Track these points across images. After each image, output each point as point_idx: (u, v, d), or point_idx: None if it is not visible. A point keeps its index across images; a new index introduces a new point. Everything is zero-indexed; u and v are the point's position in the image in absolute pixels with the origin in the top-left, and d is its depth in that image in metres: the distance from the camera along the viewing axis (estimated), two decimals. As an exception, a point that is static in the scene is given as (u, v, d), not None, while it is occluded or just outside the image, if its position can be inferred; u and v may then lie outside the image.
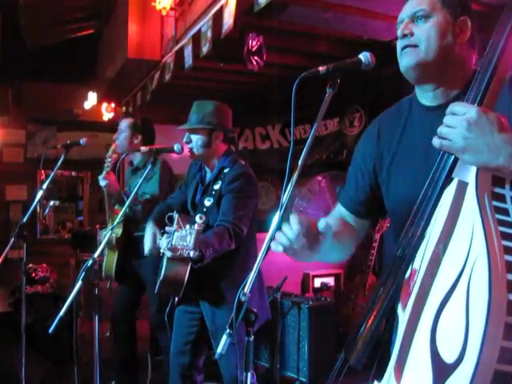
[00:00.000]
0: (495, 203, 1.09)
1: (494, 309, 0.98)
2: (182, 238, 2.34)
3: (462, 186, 1.15)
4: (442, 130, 1.15)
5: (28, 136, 8.52)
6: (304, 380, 3.92)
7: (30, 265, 5.70)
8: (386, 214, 1.71)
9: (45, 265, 6.06)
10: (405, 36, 1.44)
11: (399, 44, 1.47)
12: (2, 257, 3.13)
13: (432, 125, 1.27)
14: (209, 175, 2.93)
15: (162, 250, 2.58)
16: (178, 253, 2.35)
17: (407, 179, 1.50)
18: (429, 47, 1.41)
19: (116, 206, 3.68)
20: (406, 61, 1.44)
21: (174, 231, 2.39)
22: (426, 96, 1.52)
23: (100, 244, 3.65)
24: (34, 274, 5.75)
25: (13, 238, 3.15)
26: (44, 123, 8.52)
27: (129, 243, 3.58)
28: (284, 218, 1.43)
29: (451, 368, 1.03)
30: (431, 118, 1.45)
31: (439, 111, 1.33)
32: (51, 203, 9.00)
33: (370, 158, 1.65)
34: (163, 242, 2.52)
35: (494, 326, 0.98)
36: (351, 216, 1.71)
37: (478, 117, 1.10)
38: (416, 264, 1.21)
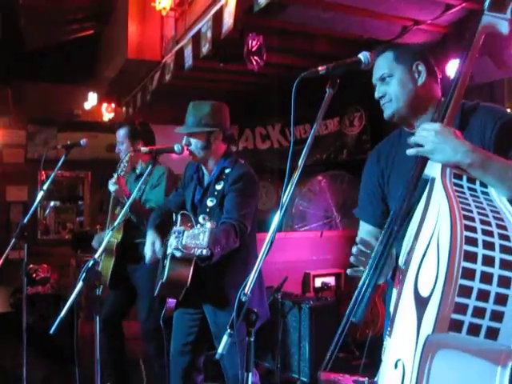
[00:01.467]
0: (455, 187, 1.47)
1: (454, 242, 1.31)
2: (194, 236, 2.30)
3: (431, 184, 1.52)
4: (415, 139, 1.58)
5: (28, 137, 8.53)
6: (305, 380, 3.92)
7: (31, 265, 5.71)
8: None
9: (45, 265, 6.07)
10: (380, 98, 1.86)
11: (380, 101, 1.87)
12: (3, 257, 3.13)
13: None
14: (207, 176, 2.93)
15: (170, 250, 2.53)
16: (192, 251, 2.32)
17: (399, 189, 1.74)
18: (398, 99, 1.82)
19: (117, 211, 3.65)
20: (386, 113, 1.87)
21: (184, 231, 2.36)
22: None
23: (98, 246, 3.67)
24: (34, 275, 5.76)
25: (13, 239, 3.15)
26: (44, 124, 8.53)
27: (126, 248, 3.55)
28: (285, 218, 1.47)
29: (427, 299, 1.34)
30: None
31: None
32: (52, 204, 9.00)
33: (375, 177, 1.99)
34: (172, 242, 2.48)
35: (455, 254, 1.30)
36: (377, 230, 1.94)
37: (441, 128, 1.54)
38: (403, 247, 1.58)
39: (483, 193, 1.46)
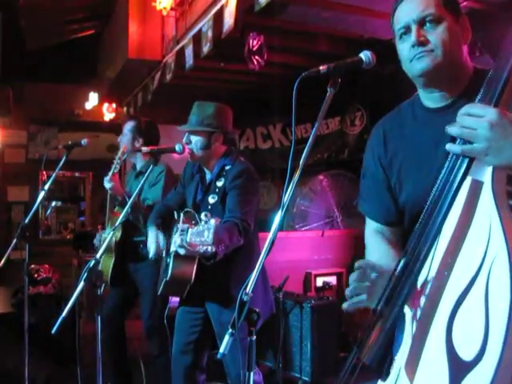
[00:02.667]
0: (511, 202, 1.09)
1: None
2: (198, 234, 2.29)
3: (476, 187, 1.13)
4: (458, 131, 1.16)
5: (29, 137, 8.53)
6: (307, 379, 3.92)
7: (33, 265, 5.70)
8: None
9: (47, 265, 6.06)
10: (421, 44, 1.40)
11: (413, 51, 1.41)
12: (5, 258, 3.14)
13: (439, 126, 1.29)
14: (208, 175, 2.94)
15: (173, 248, 2.54)
16: (196, 249, 2.30)
17: (418, 180, 1.47)
18: (445, 52, 1.39)
19: (116, 209, 3.65)
20: (422, 65, 1.40)
21: (188, 228, 2.35)
22: (431, 98, 1.49)
23: (98, 245, 3.67)
24: (36, 275, 5.75)
25: (15, 239, 3.15)
26: (45, 124, 8.53)
27: (127, 247, 3.56)
28: (286, 218, 1.45)
29: (470, 365, 1.02)
30: (438, 119, 1.43)
31: (445, 112, 1.39)
32: (53, 204, 9.01)
33: (381, 165, 1.61)
34: (176, 240, 2.47)
35: None
36: (384, 227, 1.65)
37: (500, 118, 1.10)
38: (427, 263, 1.21)
39: None
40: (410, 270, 1.23)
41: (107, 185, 3.43)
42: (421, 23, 1.41)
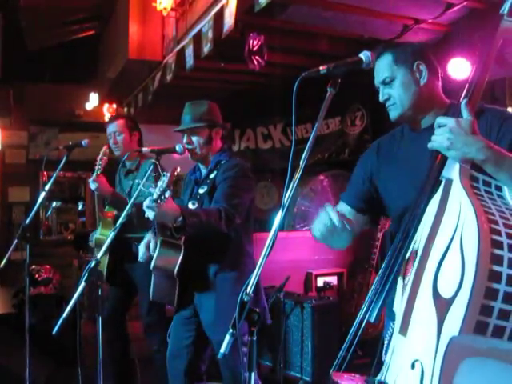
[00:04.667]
0: (474, 190, 1.46)
1: (482, 245, 1.31)
2: (157, 187, 2.38)
3: (448, 185, 1.51)
4: (433, 137, 1.57)
5: (30, 137, 8.53)
6: (307, 379, 3.92)
7: (33, 266, 5.71)
8: (382, 213, 2.16)
9: (48, 266, 6.07)
10: (385, 101, 1.87)
11: (385, 104, 1.88)
12: (5, 258, 3.14)
13: (421, 143, 1.69)
14: (204, 170, 2.95)
15: (144, 209, 2.52)
16: (164, 209, 2.39)
17: (403, 184, 1.84)
18: (402, 101, 1.83)
19: (106, 208, 3.64)
20: (392, 115, 1.88)
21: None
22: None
23: (94, 246, 3.67)
24: (37, 276, 5.76)
25: (16, 240, 3.15)
26: (46, 124, 8.53)
27: (121, 245, 3.55)
28: (286, 218, 1.49)
29: (451, 300, 1.32)
30: (420, 138, 1.81)
31: (426, 133, 1.72)
32: (53, 204, 9.01)
33: (370, 170, 2.03)
34: (145, 203, 2.50)
35: (484, 257, 1.30)
36: (351, 211, 2.03)
37: (456, 124, 1.52)
38: (414, 240, 1.57)
39: (499, 196, 1.48)
40: (401, 246, 1.59)
41: (92, 186, 3.39)
42: (383, 84, 1.86)
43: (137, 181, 2.57)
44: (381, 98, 1.88)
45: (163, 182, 2.38)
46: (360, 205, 2.04)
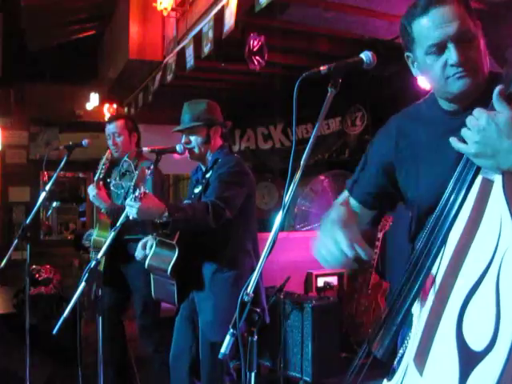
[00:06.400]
0: None
1: None
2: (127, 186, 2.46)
3: (486, 185, 1.18)
4: (462, 132, 1.23)
5: (30, 137, 8.54)
6: (308, 379, 3.91)
7: (34, 266, 5.71)
8: (391, 210, 1.82)
9: (48, 266, 6.07)
10: (461, 64, 1.36)
11: (451, 70, 1.39)
12: (6, 258, 3.14)
13: (455, 127, 1.30)
14: (204, 171, 2.96)
15: (126, 207, 2.52)
16: (147, 205, 2.42)
17: (431, 177, 1.48)
18: (480, 70, 1.40)
19: (102, 210, 3.62)
20: (462, 85, 1.39)
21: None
22: (444, 101, 1.51)
23: (89, 245, 3.65)
24: (37, 276, 5.75)
25: (16, 240, 3.15)
26: (46, 124, 8.54)
27: (117, 246, 3.54)
28: (287, 218, 1.46)
29: (480, 355, 1.05)
30: (454, 121, 1.42)
31: (462, 115, 1.34)
32: (54, 204, 9.01)
33: (387, 155, 1.65)
34: (127, 203, 2.51)
35: None
36: (359, 206, 1.73)
37: (487, 123, 1.17)
38: (438, 258, 1.25)
39: None
40: (422, 265, 1.27)
41: (91, 192, 3.35)
42: (458, 40, 1.36)
43: (133, 182, 2.56)
44: (456, 59, 1.36)
45: (133, 179, 2.41)
46: (370, 200, 1.72)
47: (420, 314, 1.28)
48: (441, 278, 1.21)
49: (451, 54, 1.36)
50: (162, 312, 3.62)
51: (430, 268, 1.26)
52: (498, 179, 1.15)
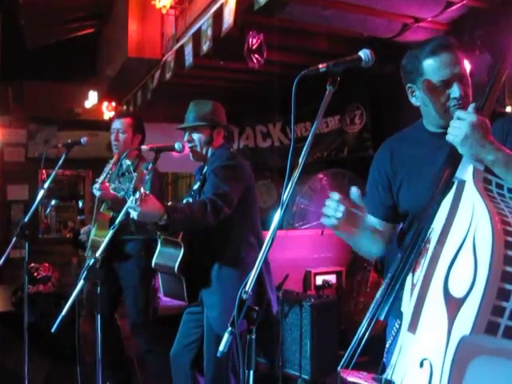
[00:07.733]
0: (487, 192, 1.47)
1: (496, 246, 1.31)
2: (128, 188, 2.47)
3: (460, 186, 1.51)
4: (450, 129, 1.56)
5: (29, 135, 8.53)
6: (306, 377, 3.92)
7: (32, 264, 5.72)
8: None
9: (47, 264, 6.08)
10: (461, 98, 1.72)
11: (452, 101, 1.73)
12: (4, 256, 3.14)
13: (437, 146, 1.72)
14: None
15: (128, 209, 2.53)
16: (148, 208, 2.42)
17: (420, 186, 1.76)
18: (470, 101, 1.70)
19: (102, 209, 3.62)
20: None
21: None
22: (433, 125, 1.84)
23: (85, 239, 3.66)
24: (36, 274, 5.77)
25: (15, 238, 3.15)
26: (45, 123, 8.53)
27: (114, 245, 3.53)
28: (285, 216, 1.49)
29: (462, 300, 1.32)
30: (437, 141, 1.76)
31: (442, 135, 1.64)
32: (53, 202, 9.01)
33: (385, 174, 1.94)
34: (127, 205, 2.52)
35: (497, 258, 1.30)
36: (379, 222, 1.94)
37: (477, 121, 1.52)
38: (427, 245, 1.56)
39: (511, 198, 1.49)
40: (413, 245, 1.60)
41: (96, 193, 3.38)
42: (459, 79, 1.72)
43: (132, 184, 2.56)
44: (458, 94, 1.73)
45: (133, 181, 2.41)
46: (387, 212, 1.94)
47: (412, 289, 1.55)
48: (431, 252, 1.51)
49: (455, 90, 1.72)
50: (160, 310, 3.62)
51: (420, 245, 1.59)
52: (469, 178, 1.50)
